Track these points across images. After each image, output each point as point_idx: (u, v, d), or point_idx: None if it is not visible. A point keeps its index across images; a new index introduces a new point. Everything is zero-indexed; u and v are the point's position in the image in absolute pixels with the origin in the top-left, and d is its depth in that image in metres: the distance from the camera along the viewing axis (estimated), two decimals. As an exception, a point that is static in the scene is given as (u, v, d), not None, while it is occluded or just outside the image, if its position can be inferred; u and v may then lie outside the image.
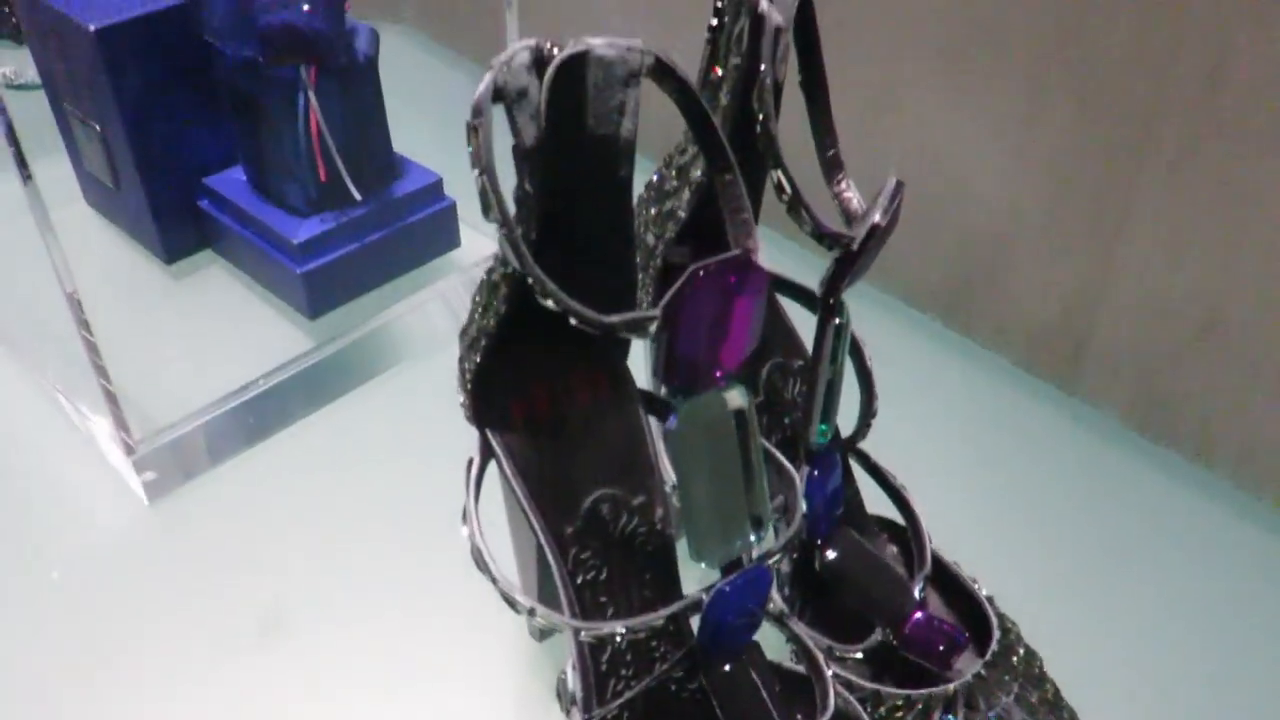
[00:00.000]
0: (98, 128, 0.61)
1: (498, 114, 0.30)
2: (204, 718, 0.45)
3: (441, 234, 0.64)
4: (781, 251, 0.70)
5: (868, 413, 0.46)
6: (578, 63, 0.31)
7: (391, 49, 0.63)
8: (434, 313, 0.63)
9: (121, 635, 0.48)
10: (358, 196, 0.57)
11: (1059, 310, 0.66)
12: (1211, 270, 0.59)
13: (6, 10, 0.91)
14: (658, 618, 0.35)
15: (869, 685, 0.42)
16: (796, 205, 0.37)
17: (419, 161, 0.64)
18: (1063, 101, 0.61)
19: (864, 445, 0.48)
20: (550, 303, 0.30)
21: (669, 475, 0.41)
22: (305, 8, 0.54)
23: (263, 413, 0.57)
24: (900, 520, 0.48)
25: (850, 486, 0.49)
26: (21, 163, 0.46)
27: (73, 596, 0.50)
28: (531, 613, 0.35)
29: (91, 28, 0.56)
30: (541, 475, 0.38)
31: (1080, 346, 0.66)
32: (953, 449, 0.60)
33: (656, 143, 0.44)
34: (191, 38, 0.58)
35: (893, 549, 0.49)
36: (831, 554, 0.45)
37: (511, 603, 0.35)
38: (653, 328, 0.31)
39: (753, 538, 0.36)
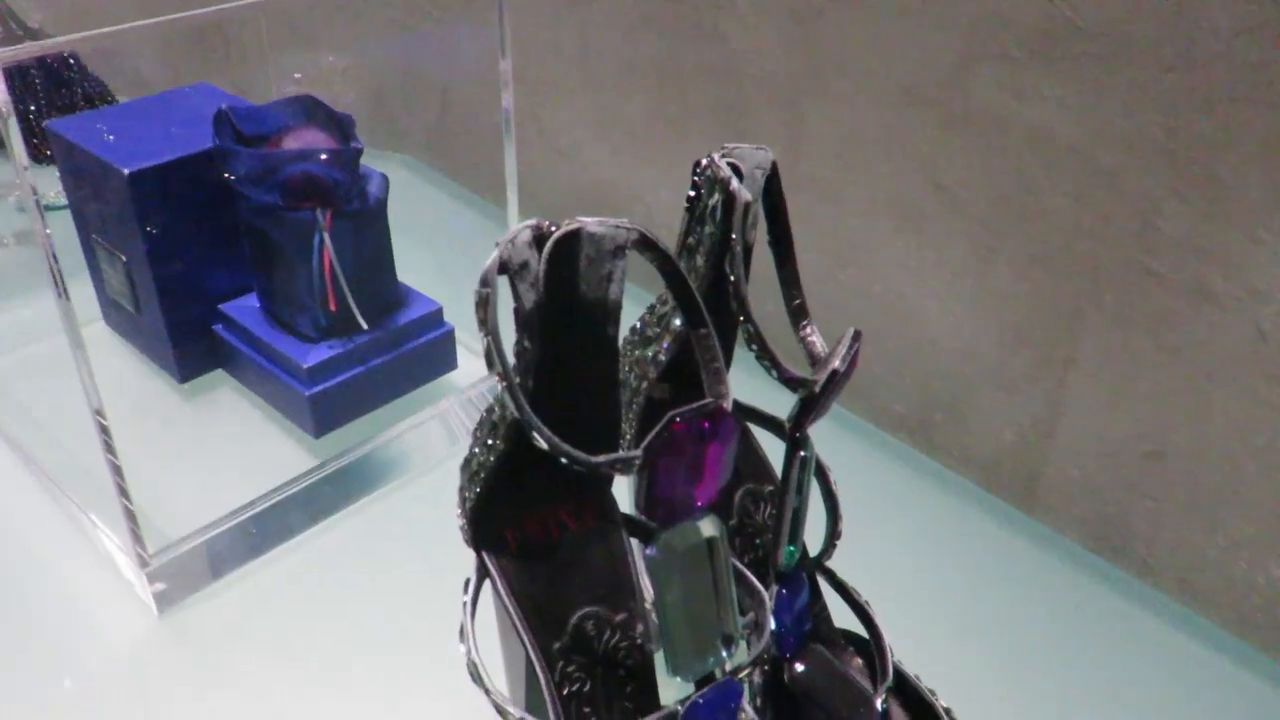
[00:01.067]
0: (123, 258, 0.66)
1: (502, 282, 0.35)
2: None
3: (440, 357, 0.69)
4: (752, 376, 0.75)
5: (833, 534, 0.50)
6: (572, 239, 0.36)
7: (395, 178, 0.68)
8: (432, 431, 0.67)
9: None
10: (364, 326, 0.62)
11: (1014, 441, 0.71)
12: (1150, 410, 0.64)
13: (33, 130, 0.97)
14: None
15: (833, 794, 0.45)
16: (764, 355, 0.42)
17: (419, 284, 0.69)
18: (1012, 257, 0.67)
19: (832, 562, 0.51)
20: (543, 444, 0.35)
21: (649, 593, 0.45)
22: (323, 158, 0.60)
23: (268, 527, 0.60)
24: (865, 634, 0.52)
25: (818, 603, 0.53)
26: (59, 282, 0.50)
27: (87, 703, 0.52)
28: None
29: (125, 171, 0.61)
30: (532, 595, 0.42)
31: (1034, 473, 0.71)
32: (918, 564, 0.64)
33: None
34: (215, 180, 0.63)
35: (858, 662, 0.53)
36: (800, 668, 0.48)
37: (503, 714, 0.39)
38: (635, 467, 0.36)
39: (724, 654, 0.40)
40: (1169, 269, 0.60)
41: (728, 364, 0.49)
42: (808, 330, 0.46)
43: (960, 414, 0.74)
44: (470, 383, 0.70)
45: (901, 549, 0.65)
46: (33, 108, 0.99)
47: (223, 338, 0.68)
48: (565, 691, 0.42)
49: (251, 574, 0.59)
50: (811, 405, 0.43)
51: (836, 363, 0.43)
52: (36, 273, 0.51)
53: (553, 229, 0.36)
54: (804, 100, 0.73)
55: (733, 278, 0.41)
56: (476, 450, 0.41)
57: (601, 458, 0.35)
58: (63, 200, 0.71)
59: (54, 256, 0.49)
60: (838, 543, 0.50)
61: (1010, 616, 0.61)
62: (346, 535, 0.62)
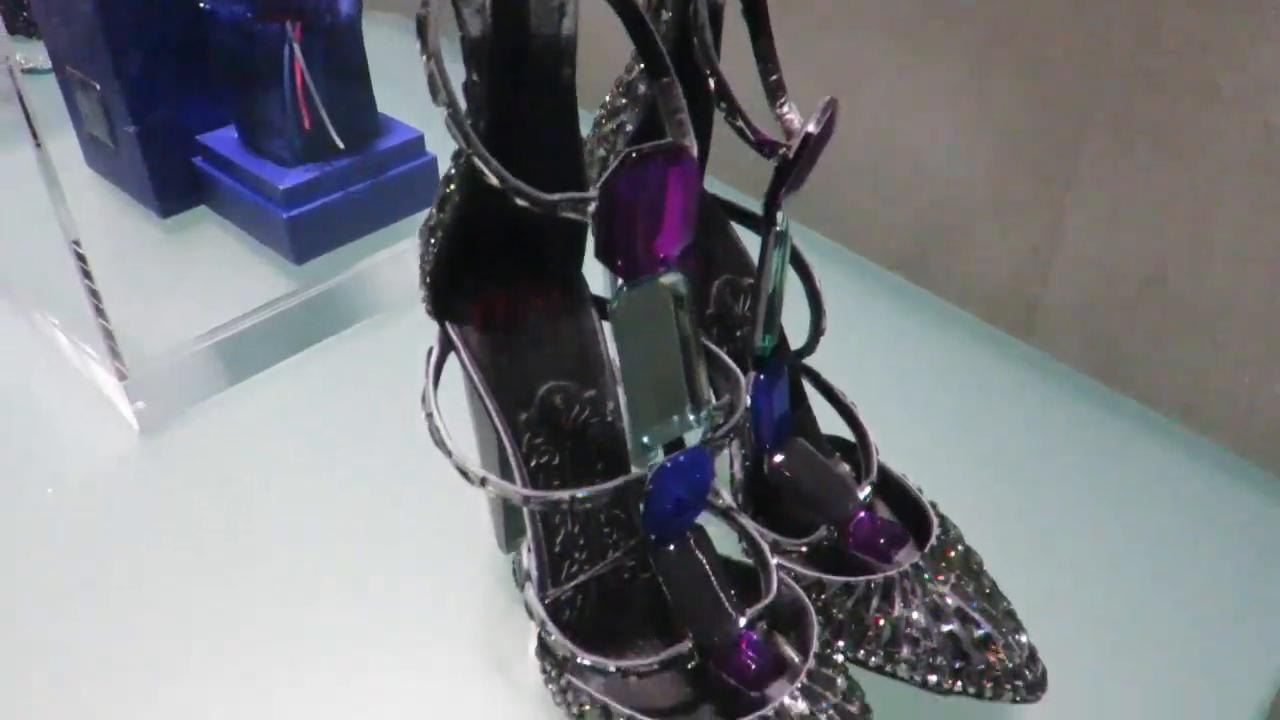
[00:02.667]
0: (97, 87, 0.65)
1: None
2: (183, 622, 0.47)
3: (422, 188, 0.67)
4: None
5: (817, 329, 0.49)
6: (521, -36, 0.34)
7: (382, 37, 0.66)
8: (412, 264, 0.66)
9: (112, 552, 0.50)
10: (340, 144, 0.61)
11: (1011, 270, 0.69)
12: (1151, 230, 0.62)
13: (21, 6, 0.95)
14: (603, 490, 0.37)
15: (811, 574, 0.44)
16: (734, 113, 0.40)
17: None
18: (1008, 75, 0.64)
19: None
20: (495, 180, 0.33)
21: (619, 390, 0.44)
22: (290, -34, 0.58)
23: (250, 352, 0.59)
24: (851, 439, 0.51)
25: (802, 406, 0.52)
26: (33, 131, 0.50)
27: (69, 513, 0.52)
28: (483, 482, 0.38)
29: (90, -14, 0.59)
30: (497, 366, 0.41)
31: (1033, 301, 0.69)
32: (910, 390, 0.62)
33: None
34: (189, 7, 0.61)
35: (845, 466, 0.52)
36: (779, 458, 0.47)
37: (464, 474, 0.38)
38: (592, 207, 0.34)
39: (690, 418, 0.38)
40: (1171, 69, 0.58)
41: (704, 158, 0.48)
42: (784, 107, 0.44)
43: (957, 246, 0.72)
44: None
45: (895, 376, 0.63)
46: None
47: (202, 170, 0.66)
48: (533, 463, 0.41)
49: (233, 398, 0.59)
50: (786, 173, 0.42)
51: (811, 126, 0.41)
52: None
53: (498, -49, 0.34)
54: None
55: (697, 25, 0.39)
56: (433, 210, 0.40)
57: (556, 196, 0.34)
58: (46, 65, 0.70)
59: (24, 105, 0.49)
60: (821, 338, 0.49)
61: (1006, 439, 0.59)
62: (327, 364, 0.61)
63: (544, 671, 0.41)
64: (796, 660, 0.40)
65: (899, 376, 0.63)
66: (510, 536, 0.49)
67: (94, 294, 0.54)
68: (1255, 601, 0.51)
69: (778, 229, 0.43)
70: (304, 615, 0.48)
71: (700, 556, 0.41)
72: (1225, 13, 0.55)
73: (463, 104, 0.35)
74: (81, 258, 0.54)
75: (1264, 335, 0.60)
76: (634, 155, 0.34)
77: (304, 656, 0.46)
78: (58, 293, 0.62)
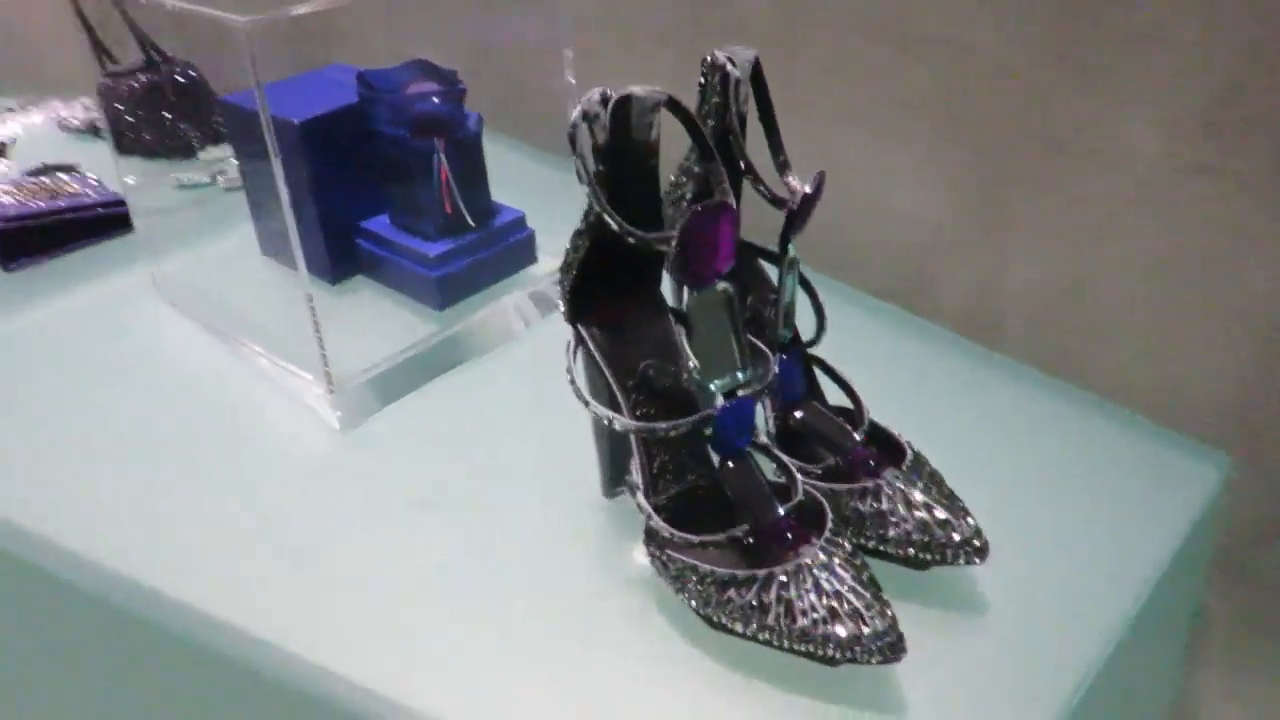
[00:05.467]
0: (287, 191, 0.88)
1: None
2: (373, 564, 0.69)
3: (524, 252, 0.91)
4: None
5: (820, 328, 0.70)
6: (626, 98, 0.57)
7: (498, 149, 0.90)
8: (519, 311, 0.89)
9: (326, 513, 0.73)
10: (472, 224, 0.84)
11: (976, 292, 0.91)
12: (1066, 255, 0.84)
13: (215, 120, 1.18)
14: (686, 421, 0.59)
15: (826, 485, 0.65)
16: (755, 181, 0.63)
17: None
18: (956, 148, 0.87)
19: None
20: (614, 225, 0.56)
21: (691, 358, 0.66)
22: (435, 100, 0.82)
23: (410, 374, 0.82)
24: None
25: (814, 382, 0.73)
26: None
27: (293, 487, 0.75)
28: (610, 421, 0.60)
29: (296, 122, 0.83)
30: (613, 351, 0.63)
31: (997, 321, 0.91)
32: (897, 382, 0.83)
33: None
34: (354, 129, 0.85)
35: (847, 426, 0.73)
36: (799, 414, 0.69)
37: (585, 400, 0.60)
38: (673, 243, 0.57)
39: (739, 375, 0.60)
40: (1070, 139, 0.80)
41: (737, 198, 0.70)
42: (790, 178, 0.67)
43: (931, 277, 0.94)
44: (545, 273, 0.91)
45: (884, 377, 0.84)
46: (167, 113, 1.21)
47: (363, 247, 0.90)
48: (639, 413, 0.63)
49: (402, 406, 0.81)
50: (792, 221, 0.64)
51: (808, 188, 0.63)
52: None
53: (612, 93, 0.57)
54: (792, 39, 0.94)
55: (731, 130, 0.62)
56: (570, 250, 0.62)
57: (652, 234, 0.56)
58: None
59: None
60: (824, 335, 0.71)
61: (978, 428, 0.78)
62: (462, 382, 0.83)
63: (649, 553, 0.63)
64: (815, 539, 0.61)
65: (887, 377, 0.85)
66: (609, 485, 0.71)
67: (317, 329, 0.76)
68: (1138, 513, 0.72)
69: (789, 258, 0.66)
70: (474, 550, 0.69)
71: (752, 469, 0.62)
72: (1104, 97, 0.78)
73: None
74: (312, 308, 0.76)
75: (1156, 324, 0.81)
76: (699, 208, 0.57)
77: (479, 573, 0.67)
78: (260, 333, 0.86)
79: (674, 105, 0.58)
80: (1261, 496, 0.80)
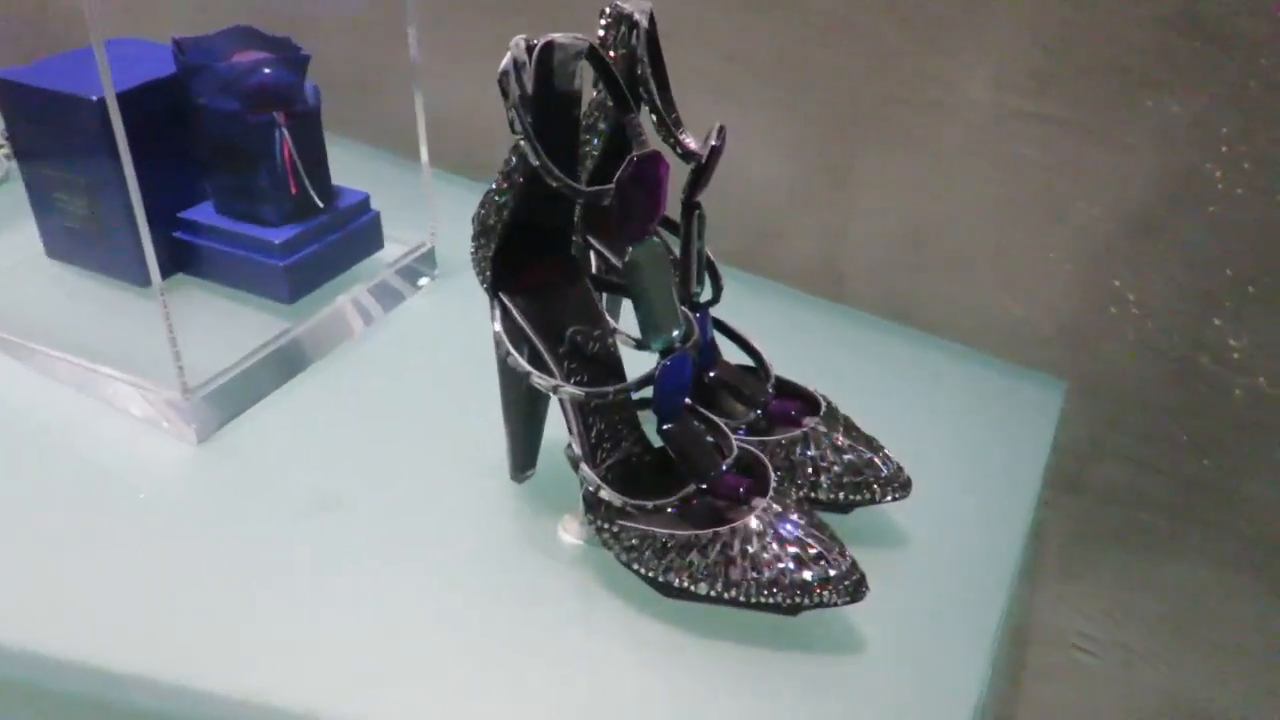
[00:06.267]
0: (83, 181, 0.77)
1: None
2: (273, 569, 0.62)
3: (372, 238, 0.84)
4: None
5: (716, 290, 0.70)
6: (549, 46, 0.54)
7: None
8: (374, 300, 0.82)
9: (191, 523, 0.64)
10: (320, 204, 0.77)
11: (818, 249, 0.94)
12: (909, 205, 0.88)
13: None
14: (630, 384, 0.57)
15: (757, 438, 0.65)
16: (668, 134, 0.61)
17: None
18: (802, 112, 0.89)
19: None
20: (557, 182, 0.52)
21: (612, 322, 0.63)
22: (266, 71, 0.74)
23: (261, 377, 0.74)
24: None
25: (716, 345, 0.73)
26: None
27: (155, 505, 0.65)
28: (555, 389, 0.56)
29: (93, 98, 0.73)
30: (539, 318, 0.60)
31: (839, 273, 0.94)
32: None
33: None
34: (167, 104, 0.76)
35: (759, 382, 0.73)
36: (712, 373, 0.68)
37: (527, 371, 0.57)
38: (611, 194, 0.54)
39: (678, 332, 0.58)
40: (908, 93, 0.84)
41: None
42: (683, 135, 0.66)
43: (776, 236, 0.96)
44: (394, 259, 0.85)
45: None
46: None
47: (185, 240, 0.80)
48: (572, 380, 0.60)
49: (270, 405, 0.73)
50: (699, 174, 0.63)
51: (715, 141, 0.62)
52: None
53: (535, 41, 0.53)
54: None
55: (641, 76, 0.60)
56: (485, 214, 0.58)
57: (592, 188, 0.53)
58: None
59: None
60: (721, 294, 0.71)
61: (835, 374, 0.81)
62: (328, 379, 0.76)
63: (598, 526, 0.60)
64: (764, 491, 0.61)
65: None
66: (519, 468, 0.67)
67: (171, 333, 0.67)
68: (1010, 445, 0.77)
69: (699, 212, 0.64)
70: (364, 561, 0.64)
71: (695, 428, 0.61)
72: (942, 52, 0.82)
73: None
74: (165, 309, 0.67)
75: (998, 264, 0.87)
76: (636, 158, 0.54)
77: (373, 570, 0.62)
78: (80, 345, 0.75)
79: (594, 54, 0.55)
80: (1091, 417, 0.88)
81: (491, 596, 0.60)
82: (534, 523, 0.65)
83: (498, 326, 0.59)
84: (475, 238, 0.60)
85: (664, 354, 0.59)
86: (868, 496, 0.64)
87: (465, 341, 0.73)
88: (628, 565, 0.59)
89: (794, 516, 0.58)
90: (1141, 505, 0.91)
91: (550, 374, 0.59)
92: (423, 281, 0.88)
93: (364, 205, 0.83)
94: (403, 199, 0.88)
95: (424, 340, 0.82)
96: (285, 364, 0.76)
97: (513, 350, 0.58)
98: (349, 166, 0.85)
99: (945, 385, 0.83)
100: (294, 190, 0.76)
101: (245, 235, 0.78)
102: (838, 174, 0.90)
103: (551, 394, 0.57)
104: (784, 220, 0.95)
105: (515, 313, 0.59)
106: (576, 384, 0.60)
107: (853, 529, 0.63)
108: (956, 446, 0.75)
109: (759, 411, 0.67)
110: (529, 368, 0.57)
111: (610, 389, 0.57)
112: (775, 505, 0.58)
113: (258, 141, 0.75)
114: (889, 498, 0.64)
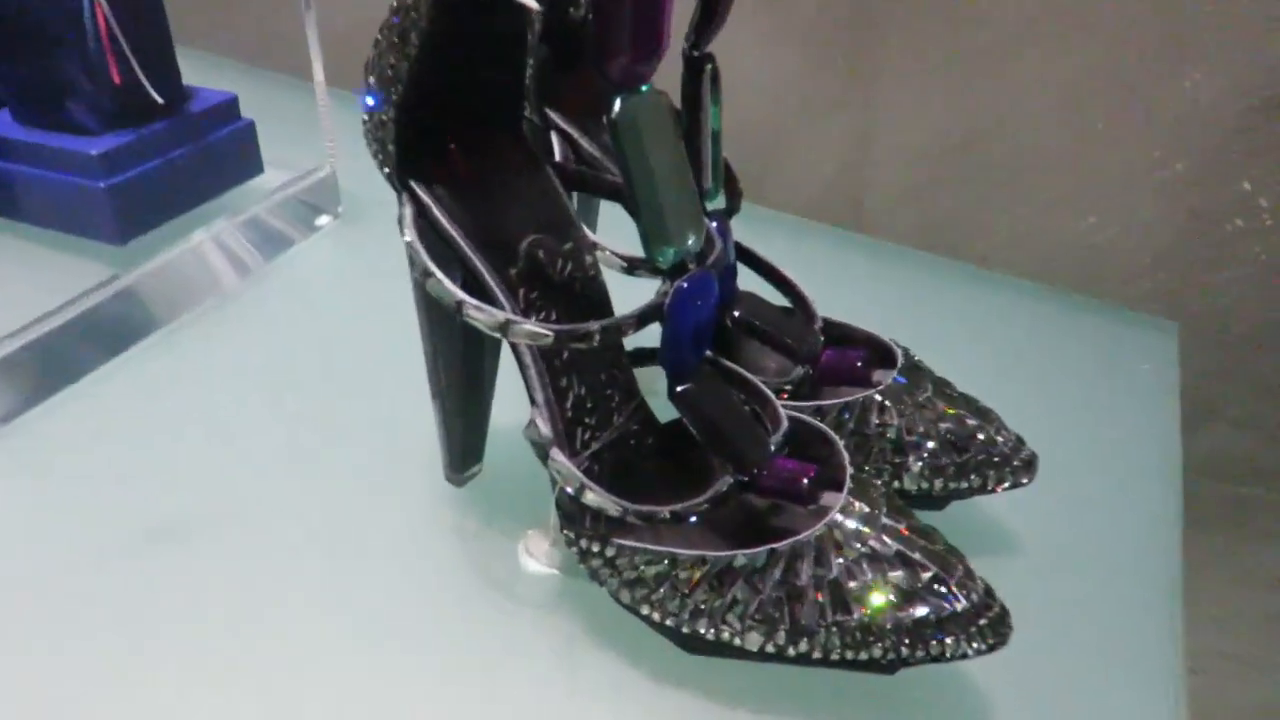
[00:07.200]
0: None
1: None
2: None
3: (244, 155, 0.61)
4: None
5: (734, 193, 0.48)
6: None
7: None
8: (240, 241, 0.59)
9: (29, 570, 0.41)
10: (159, 99, 0.54)
11: (835, 170, 0.73)
12: (955, 104, 0.67)
13: None
14: (629, 316, 0.35)
15: (809, 404, 0.44)
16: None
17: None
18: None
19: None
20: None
21: (590, 234, 0.42)
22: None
23: (85, 342, 0.51)
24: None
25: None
26: None
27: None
28: (506, 326, 0.34)
29: None
30: (475, 222, 0.38)
31: (857, 197, 0.73)
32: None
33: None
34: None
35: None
36: (738, 312, 0.47)
37: (458, 300, 0.34)
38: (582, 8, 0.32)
39: (694, 238, 0.37)
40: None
41: None
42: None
43: (781, 156, 0.75)
44: (278, 185, 0.62)
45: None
46: None
47: (-32, 165, 0.57)
48: (534, 319, 0.38)
49: (91, 385, 0.50)
50: (711, 13, 0.41)
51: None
52: None
53: None
54: None
55: None
56: (382, 55, 0.36)
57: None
58: None
59: None
60: (741, 201, 0.49)
61: (862, 312, 0.61)
62: (175, 353, 0.54)
63: (576, 545, 0.38)
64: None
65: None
66: (459, 464, 0.45)
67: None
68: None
69: (711, 68, 0.43)
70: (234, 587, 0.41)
71: (725, 388, 0.39)
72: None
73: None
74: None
75: (1068, 174, 0.67)
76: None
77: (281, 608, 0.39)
78: None
79: None
80: (1196, 371, 0.68)
81: (414, 666, 0.38)
82: (484, 546, 0.43)
83: (409, 235, 0.37)
84: (376, 108, 0.37)
85: (673, 275, 0.37)
86: (978, 483, 0.43)
87: (377, 301, 0.51)
88: (632, 608, 0.37)
89: (887, 520, 0.37)
90: (1256, 480, 0.71)
91: (499, 305, 0.37)
92: (322, 221, 0.66)
93: (229, 109, 0.60)
94: (291, 118, 0.66)
95: (319, 298, 0.60)
96: (113, 330, 0.53)
97: (435, 269, 0.35)
98: (216, 84, 0.62)
99: (1016, 333, 0.62)
100: (117, 80, 0.53)
101: (50, 148, 0.54)
102: (859, 73, 0.69)
103: (500, 336, 0.35)
104: (785, 136, 0.74)
105: (438, 212, 0.37)
106: (540, 321, 0.38)
107: (947, 531, 0.42)
108: (1053, 412, 0.55)
109: (807, 368, 0.45)
110: (461, 294, 0.35)
111: (594, 325, 0.35)
112: (859, 504, 0.37)
113: (59, 15, 0.51)
114: (1006, 484, 0.44)
